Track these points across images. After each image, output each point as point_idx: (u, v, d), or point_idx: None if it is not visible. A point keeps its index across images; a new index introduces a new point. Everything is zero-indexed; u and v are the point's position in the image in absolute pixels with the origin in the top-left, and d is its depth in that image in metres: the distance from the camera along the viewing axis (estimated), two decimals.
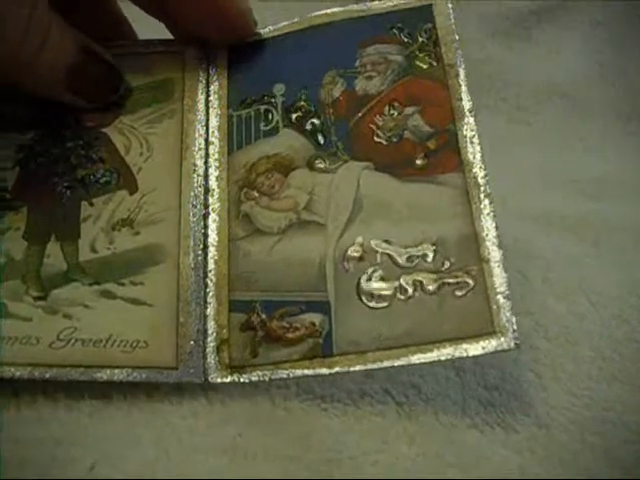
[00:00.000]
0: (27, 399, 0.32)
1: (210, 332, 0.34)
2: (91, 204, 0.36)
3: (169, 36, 0.41)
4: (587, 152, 0.49)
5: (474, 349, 0.31)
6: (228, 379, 0.33)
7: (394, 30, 0.39)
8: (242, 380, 0.33)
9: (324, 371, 0.32)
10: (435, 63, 0.37)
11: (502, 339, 0.30)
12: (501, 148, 0.45)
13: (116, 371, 0.32)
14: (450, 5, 0.38)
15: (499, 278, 0.32)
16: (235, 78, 0.40)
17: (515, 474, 0.30)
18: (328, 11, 0.40)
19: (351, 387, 0.33)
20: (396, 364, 0.31)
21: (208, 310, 0.34)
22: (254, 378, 0.33)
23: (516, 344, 0.30)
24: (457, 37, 0.37)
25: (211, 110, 0.39)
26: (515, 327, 0.30)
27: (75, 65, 0.36)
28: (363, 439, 0.31)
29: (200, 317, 0.34)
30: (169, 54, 0.41)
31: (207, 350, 0.34)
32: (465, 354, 0.31)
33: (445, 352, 0.31)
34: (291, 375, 0.32)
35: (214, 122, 0.39)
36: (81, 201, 0.36)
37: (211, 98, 0.39)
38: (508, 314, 0.31)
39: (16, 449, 0.30)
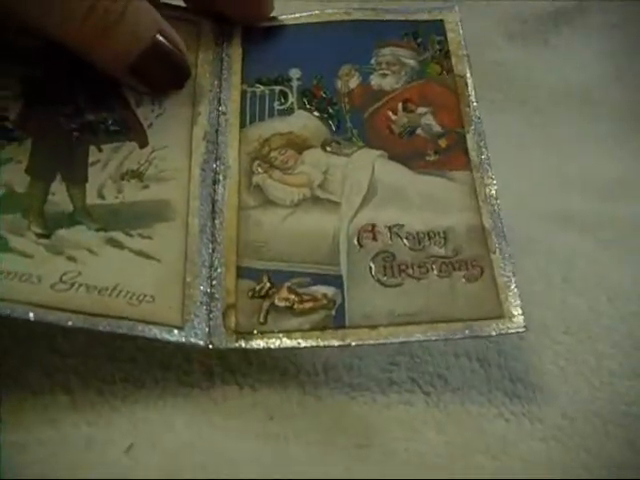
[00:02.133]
0: (60, 381, 0.31)
1: (217, 296, 0.33)
2: (100, 149, 0.34)
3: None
4: (603, 154, 0.50)
5: (485, 330, 0.32)
6: (234, 345, 0.32)
7: (408, 36, 0.41)
8: (248, 346, 0.32)
9: (335, 343, 0.32)
10: (446, 73, 0.40)
11: (512, 321, 0.32)
12: (519, 150, 0.47)
13: (120, 322, 0.30)
14: (460, 23, 0.41)
15: (506, 269, 0.34)
16: (250, 58, 0.40)
17: (542, 461, 0.31)
18: (346, 9, 0.42)
19: (379, 376, 0.34)
20: (411, 339, 0.32)
21: (215, 274, 0.33)
22: (261, 345, 0.32)
23: (525, 327, 0.32)
24: (466, 52, 0.40)
25: (224, 83, 0.39)
26: (522, 313, 0.32)
27: (148, 50, 0.34)
28: (392, 426, 0.32)
29: (207, 280, 0.33)
30: (184, 22, 0.40)
31: (213, 314, 0.33)
32: (477, 334, 0.32)
33: (458, 329, 0.32)
34: (301, 345, 0.32)
35: (227, 94, 0.38)
36: (89, 145, 0.34)
37: (224, 72, 0.39)
38: (516, 300, 0.33)
39: (50, 431, 0.29)
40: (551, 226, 0.44)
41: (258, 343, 0.32)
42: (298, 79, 0.39)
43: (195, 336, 0.32)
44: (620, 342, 0.37)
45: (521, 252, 0.44)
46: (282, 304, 0.33)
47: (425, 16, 0.42)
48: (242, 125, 0.38)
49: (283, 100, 0.39)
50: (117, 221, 0.33)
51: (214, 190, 0.36)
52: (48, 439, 0.28)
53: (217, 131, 0.37)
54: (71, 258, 0.31)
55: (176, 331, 0.31)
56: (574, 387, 0.35)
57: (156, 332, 0.31)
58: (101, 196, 0.33)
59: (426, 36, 0.41)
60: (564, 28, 0.58)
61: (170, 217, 0.34)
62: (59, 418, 0.29)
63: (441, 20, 0.41)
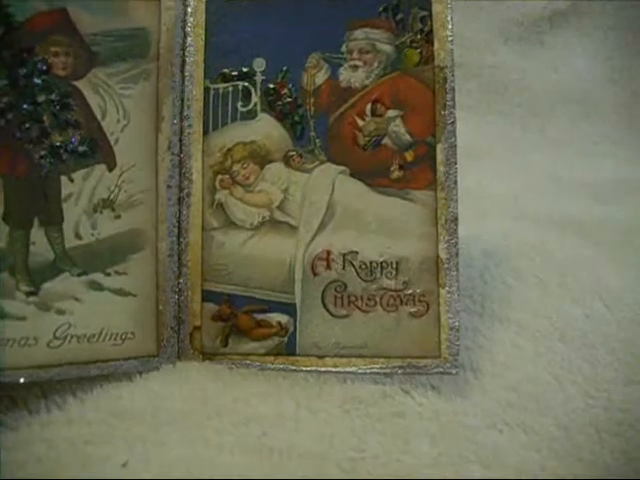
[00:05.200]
0: (56, 400, 0.34)
1: (184, 319, 0.37)
2: (71, 179, 0.36)
3: None
4: (600, 156, 0.51)
5: (422, 369, 0.35)
6: (200, 364, 0.37)
7: (386, 13, 0.36)
8: (212, 366, 0.36)
9: (287, 367, 0.36)
10: (425, 62, 0.36)
11: (446, 364, 0.34)
12: (516, 153, 0.46)
13: (108, 365, 0.35)
14: None
15: (452, 306, 0.35)
16: (213, 43, 0.37)
17: (535, 471, 0.32)
18: None
19: (372, 388, 0.35)
20: (348, 370, 0.35)
21: (183, 297, 0.37)
22: (224, 365, 0.36)
23: (457, 370, 0.34)
24: (451, 34, 0.36)
25: (187, 78, 0.37)
26: (458, 355, 0.34)
27: None
28: (385, 439, 0.33)
29: (176, 304, 0.37)
30: None
31: (181, 336, 0.37)
32: (413, 371, 0.35)
33: (396, 365, 0.35)
34: (256, 367, 0.36)
35: (190, 92, 0.37)
36: (60, 176, 0.36)
37: (187, 61, 0.37)
38: (453, 342, 0.34)
39: (48, 450, 0.32)
40: (547, 230, 0.44)
41: (221, 363, 0.36)
42: (262, 72, 0.37)
43: (167, 359, 0.36)
44: (616, 349, 0.38)
45: (517, 257, 0.46)
46: (241, 327, 0.37)
47: None
48: (205, 131, 0.37)
49: (246, 101, 0.37)
50: (95, 262, 0.36)
51: (179, 210, 0.37)
52: (45, 457, 0.32)
53: (181, 140, 0.37)
54: (60, 311, 0.35)
55: (152, 359, 0.36)
56: (569, 396, 0.35)
57: (137, 365, 0.36)
58: (78, 236, 0.35)
59: (407, 11, 0.36)
60: (560, 30, 0.54)
61: (141, 246, 0.36)
62: (55, 437, 0.33)
63: None
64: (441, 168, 0.35)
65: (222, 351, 0.37)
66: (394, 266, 0.35)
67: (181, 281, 0.37)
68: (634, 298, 0.41)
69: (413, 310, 0.35)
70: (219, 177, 0.37)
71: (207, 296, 0.37)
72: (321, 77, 0.37)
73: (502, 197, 0.50)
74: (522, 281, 0.44)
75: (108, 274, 0.36)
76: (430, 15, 0.36)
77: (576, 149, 0.50)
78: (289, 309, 0.36)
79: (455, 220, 0.35)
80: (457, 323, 0.35)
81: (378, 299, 0.35)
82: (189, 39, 0.37)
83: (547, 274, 0.42)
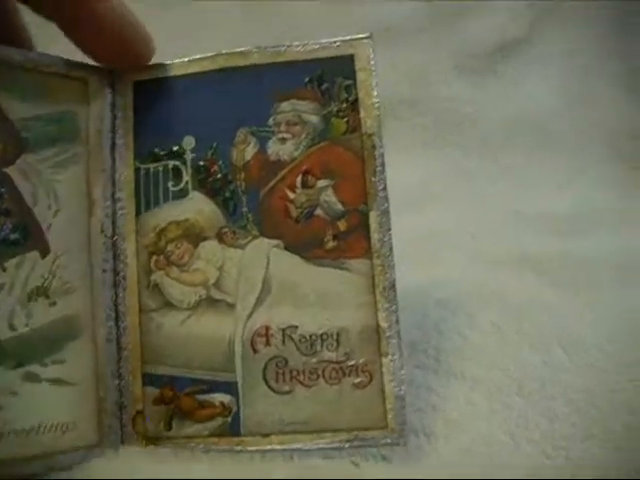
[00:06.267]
0: None
1: (126, 404, 0.36)
2: (4, 269, 0.35)
3: None
4: (558, 186, 0.50)
5: (368, 441, 0.34)
6: (144, 450, 0.36)
7: (311, 84, 0.36)
8: (157, 450, 0.36)
9: (232, 448, 0.35)
10: (352, 131, 0.36)
11: (393, 434, 0.34)
12: (471, 187, 0.45)
13: (50, 460, 0.34)
14: (372, 58, 0.36)
15: (396, 375, 0.34)
16: (142, 121, 0.37)
17: None
18: (243, 50, 0.37)
19: (320, 463, 0.34)
20: (294, 447, 0.34)
21: (123, 382, 0.36)
22: (168, 449, 0.36)
23: (404, 441, 0.34)
24: (377, 100, 0.36)
25: (117, 159, 0.37)
26: (405, 424, 0.34)
27: None
28: None
29: (117, 390, 0.36)
30: (72, 80, 0.37)
31: (124, 421, 0.36)
32: (360, 444, 0.34)
33: (343, 439, 0.34)
34: (201, 449, 0.35)
35: (121, 174, 0.37)
36: None
37: (117, 143, 0.37)
38: (399, 411, 0.34)
39: None
40: (505, 271, 0.43)
41: (166, 447, 0.36)
42: (192, 150, 0.37)
43: (110, 447, 0.36)
44: (575, 399, 0.37)
45: (474, 304, 0.44)
46: (183, 410, 0.36)
47: (333, 51, 0.36)
48: (138, 212, 0.37)
49: (179, 178, 0.37)
50: (31, 352, 0.35)
51: (115, 294, 0.37)
52: None
53: (114, 222, 0.37)
54: None
55: (94, 450, 0.35)
56: (525, 454, 0.34)
57: (79, 456, 0.35)
58: (12, 328, 0.35)
59: (332, 80, 0.36)
60: (512, 60, 0.54)
61: (78, 333, 0.36)
62: None
63: (351, 56, 0.36)
64: (375, 235, 0.35)
65: (166, 435, 0.36)
66: (334, 338, 0.35)
67: (121, 366, 0.36)
68: (594, 341, 0.39)
69: (356, 381, 0.35)
70: (154, 258, 0.37)
71: (148, 379, 0.36)
72: (250, 152, 0.36)
73: (457, 236, 0.49)
74: (479, 330, 0.43)
75: (45, 364, 0.35)
76: (355, 83, 0.36)
77: (534, 180, 0.49)
78: (231, 388, 0.35)
79: (393, 287, 0.35)
80: (402, 392, 0.34)
81: (320, 372, 0.35)
82: (118, 121, 0.37)
83: (505, 320, 0.41)
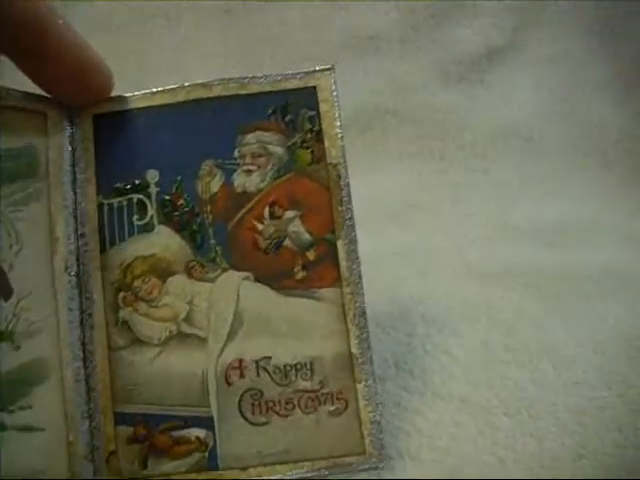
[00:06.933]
0: None
1: (98, 445, 0.35)
2: None
3: None
4: (546, 194, 0.49)
5: (347, 468, 0.34)
6: None
7: (275, 115, 0.36)
8: None
9: None
10: (317, 161, 0.36)
11: (371, 459, 0.34)
12: (459, 198, 0.44)
13: None
14: (335, 89, 0.36)
15: (371, 400, 0.35)
16: (104, 155, 0.37)
17: None
18: (205, 82, 0.37)
19: None
20: (273, 478, 0.35)
21: (94, 423, 0.35)
22: None
23: (382, 465, 0.34)
24: (340, 130, 0.36)
25: (79, 194, 0.36)
26: (382, 449, 0.34)
27: None
28: None
29: (88, 432, 0.35)
30: (30, 113, 0.36)
31: (97, 463, 0.35)
32: (340, 471, 0.35)
33: (322, 467, 0.35)
34: None
35: (83, 210, 0.36)
36: None
37: (78, 178, 0.36)
38: (376, 436, 0.35)
39: None
40: (492, 285, 0.42)
41: None
42: (156, 184, 0.36)
43: None
44: (563, 418, 0.36)
45: (461, 320, 0.44)
46: (159, 447, 0.35)
47: (296, 83, 0.37)
48: (102, 249, 0.36)
49: (144, 212, 0.36)
50: None
51: (82, 333, 0.36)
52: None
53: (78, 259, 0.36)
54: None
55: None
56: (513, 476, 0.34)
57: None
58: None
59: (296, 112, 0.36)
60: (498, 67, 0.53)
61: (45, 376, 0.35)
62: None
63: (314, 87, 0.36)
64: (344, 264, 0.36)
65: (142, 474, 0.35)
66: (308, 367, 0.35)
67: (91, 406, 0.35)
68: (581, 355, 0.39)
69: (332, 409, 0.35)
70: (121, 294, 0.36)
71: (120, 418, 0.36)
72: (216, 184, 0.36)
73: (444, 251, 0.48)
74: (466, 348, 0.42)
75: (12, 411, 0.34)
76: (318, 114, 0.36)
77: (522, 190, 0.49)
78: (207, 423, 0.35)
79: (364, 314, 0.35)
80: (378, 417, 0.35)
81: (296, 402, 0.35)
82: (78, 154, 0.37)
83: (492, 337, 0.41)
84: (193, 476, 0.35)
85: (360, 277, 0.36)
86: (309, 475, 0.35)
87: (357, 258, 0.36)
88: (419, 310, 0.47)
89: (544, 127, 0.54)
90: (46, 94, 0.36)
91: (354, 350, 0.35)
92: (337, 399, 0.35)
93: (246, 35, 0.53)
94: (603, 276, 0.44)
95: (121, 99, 0.37)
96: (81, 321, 0.36)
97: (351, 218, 0.36)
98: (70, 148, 0.37)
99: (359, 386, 0.35)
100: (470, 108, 0.54)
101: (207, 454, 0.35)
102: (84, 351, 0.36)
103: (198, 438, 0.35)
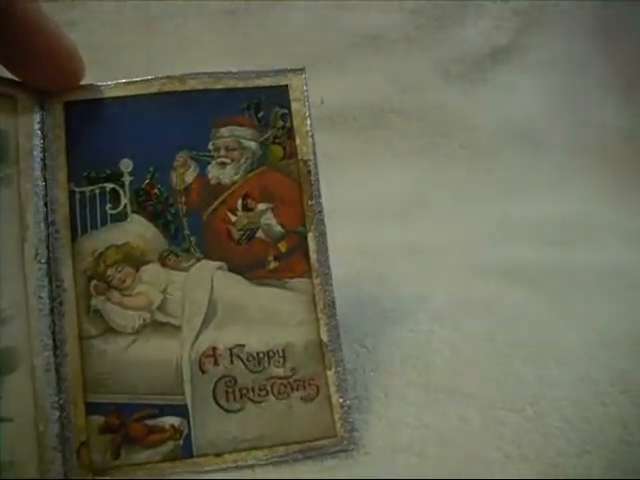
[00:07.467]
0: None
1: (68, 435, 0.35)
2: None
3: None
4: (549, 193, 0.49)
5: (320, 450, 0.36)
6: None
7: (249, 111, 0.38)
8: None
9: (185, 473, 0.35)
10: (289, 157, 0.38)
11: (343, 442, 0.36)
12: (462, 198, 0.45)
13: None
14: (306, 89, 0.38)
15: (341, 385, 0.36)
16: (76, 143, 0.36)
17: None
18: (179, 75, 0.37)
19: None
20: (249, 463, 0.36)
21: (65, 413, 0.35)
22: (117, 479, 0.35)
23: (354, 447, 0.36)
24: (310, 128, 0.38)
25: (50, 181, 0.36)
26: (354, 432, 0.36)
27: None
28: None
29: (58, 422, 0.35)
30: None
31: (67, 454, 0.35)
32: (313, 454, 0.36)
33: (296, 451, 0.36)
34: (153, 476, 0.35)
35: (54, 197, 0.36)
36: None
37: (49, 164, 0.36)
38: (347, 420, 0.36)
39: None
40: (497, 283, 0.42)
41: (113, 478, 0.35)
42: (130, 173, 0.37)
43: None
44: (569, 415, 0.36)
45: (466, 317, 0.44)
46: (132, 436, 0.35)
47: (268, 81, 0.38)
48: (74, 237, 0.36)
49: (115, 203, 0.37)
50: None
51: (53, 321, 0.35)
52: None
53: (48, 247, 0.36)
54: None
55: None
56: (519, 473, 0.33)
57: None
58: None
59: (268, 109, 0.38)
60: (501, 67, 0.54)
61: (15, 365, 0.34)
62: None
63: (286, 86, 0.38)
64: (314, 256, 0.37)
65: (114, 464, 0.35)
66: (281, 354, 0.37)
67: (62, 396, 0.35)
68: (585, 352, 0.39)
69: (304, 394, 0.36)
70: (93, 282, 0.36)
71: (92, 408, 0.35)
72: (190, 175, 0.37)
73: (448, 249, 0.47)
74: (470, 344, 0.42)
75: None
76: (290, 113, 0.38)
77: (524, 189, 0.49)
78: (181, 410, 0.36)
79: (333, 304, 0.37)
80: (348, 401, 0.36)
81: (269, 388, 0.36)
82: (48, 141, 0.36)
83: (497, 333, 0.40)
84: (167, 465, 0.35)
85: (329, 268, 0.37)
86: (283, 459, 0.36)
87: (326, 250, 0.37)
88: (423, 307, 0.47)
89: (546, 126, 0.55)
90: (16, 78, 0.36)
91: (324, 338, 0.37)
92: (309, 385, 0.37)
93: (250, 36, 0.54)
94: (606, 273, 0.44)
95: (93, 88, 0.37)
96: (51, 309, 0.36)
97: (321, 212, 0.38)
98: (40, 134, 0.36)
99: (329, 372, 0.37)
100: (473, 108, 0.55)
101: (182, 442, 0.36)
102: (54, 340, 0.35)
103: (172, 426, 0.36)
